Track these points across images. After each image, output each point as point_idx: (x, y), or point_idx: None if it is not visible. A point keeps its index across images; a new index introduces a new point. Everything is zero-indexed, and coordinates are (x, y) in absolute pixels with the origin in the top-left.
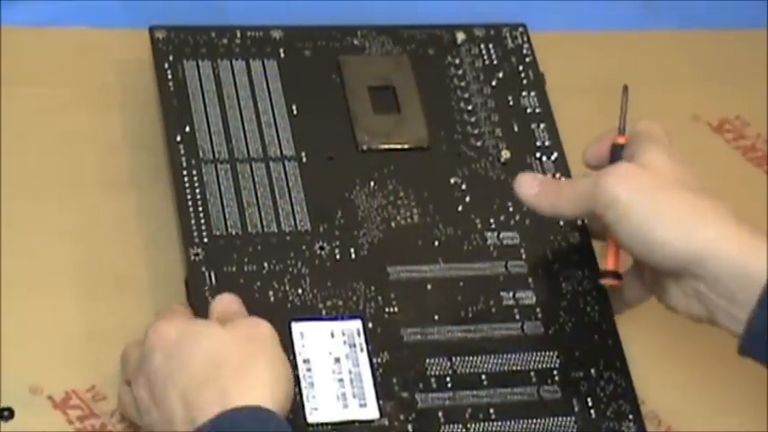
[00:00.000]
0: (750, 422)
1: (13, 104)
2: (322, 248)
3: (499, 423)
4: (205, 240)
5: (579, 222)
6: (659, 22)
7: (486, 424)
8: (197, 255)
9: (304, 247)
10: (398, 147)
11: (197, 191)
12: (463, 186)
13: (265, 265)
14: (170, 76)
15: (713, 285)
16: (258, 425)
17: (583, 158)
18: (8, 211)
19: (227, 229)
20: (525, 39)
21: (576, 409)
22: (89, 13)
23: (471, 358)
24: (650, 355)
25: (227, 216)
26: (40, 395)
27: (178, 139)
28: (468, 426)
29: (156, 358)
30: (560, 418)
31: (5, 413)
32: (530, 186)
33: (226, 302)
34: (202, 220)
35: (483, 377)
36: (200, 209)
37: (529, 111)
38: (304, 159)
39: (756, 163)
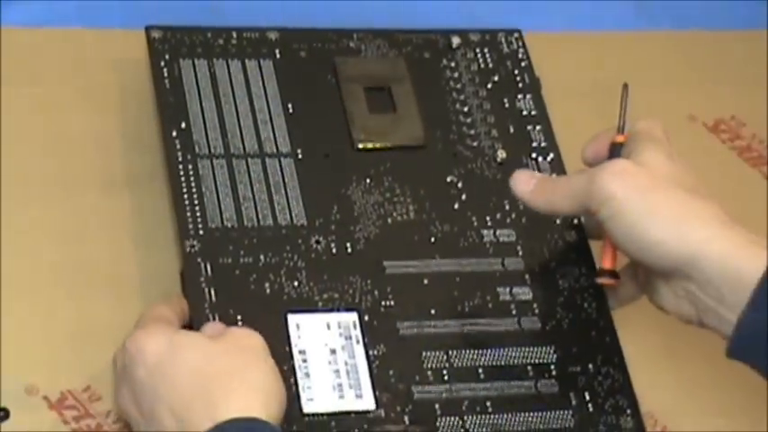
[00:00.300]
0: (747, 423)
1: (11, 104)
2: (318, 242)
3: (496, 416)
4: (201, 233)
5: (575, 221)
6: (655, 23)
7: (483, 417)
8: (193, 246)
9: (300, 241)
10: (394, 145)
11: (192, 185)
12: (459, 185)
13: (261, 257)
14: (166, 74)
15: (704, 287)
16: None
17: (581, 156)
18: (5, 210)
19: (222, 222)
20: (520, 44)
21: (574, 403)
22: (86, 13)
23: (468, 352)
24: (646, 355)
25: (222, 209)
26: (35, 395)
27: (174, 134)
28: (465, 418)
29: (138, 373)
30: (557, 412)
31: (1, 413)
32: (525, 183)
33: (216, 329)
34: (198, 213)
35: (480, 370)
36: (196, 202)
37: (524, 113)
38: (300, 156)
39: (752, 163)
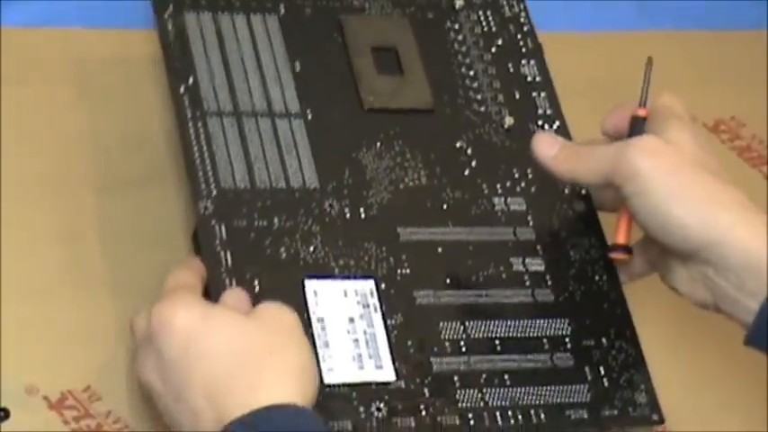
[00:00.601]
0: (749, 420)
1: (11, 104)
2: (331, 206)
3: (514, 389)
4: (214, 193)
5: (583, 191)
6: (655, 23)
7: (502, 390)
8: (206, 208)
9: (313, 205)
10: (403, 108)
11: (203, 143)
12: (468, 151)
13: (275, 221)
14: (170, 27)
15: (724, 272)
16: (298, 425)
17: (601, 127)
18: (5, 210)
19: (235, 183)
20: (522, 7)
21: (590, 377)
22: (86, 13)
23: (484, 323)
24: (648, 354)
25: (234, 169)
26: (35, 395)
27: (182, 90)
28: (484, 391)
29: (167, 348)
30: (574, 386)
31: (1, 413)
32: (549, 147)
33: (238, 297)
34: (210, 173)
35: (497, 342)
36: (208, 161)
37: (529, 79)
38: (309, 116)
39: (752, 164)
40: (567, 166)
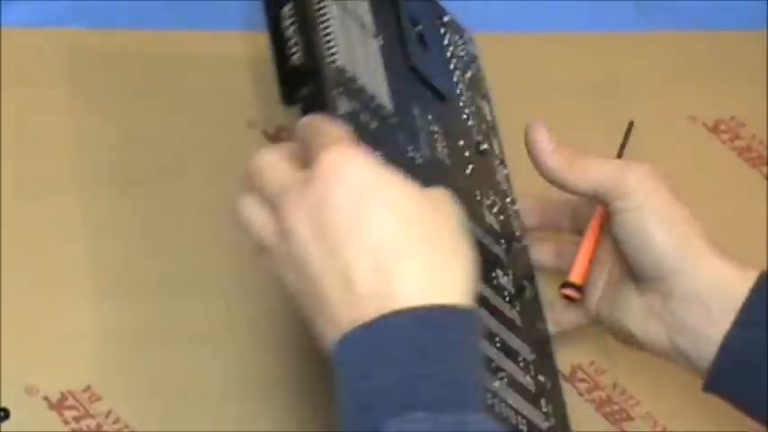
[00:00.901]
0: (745, 423)
1: (11, 104)
2: (401, 138)
3: (508, 390)
4: (332, 66)
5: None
6: (655, 23)
7: (502, 386)
8: (328, 78)
9: (390, 129)
10: (433, 84)
11: (322, 19)
12: (466, 153)
13: (372, 124)
14: None
15: (688, 303)
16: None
17: None
18: (7, 211)
19: (347, 67)
20: (479, 55)
21: (545, 409)
22: (86, 13)
23: (488, 316)
24: (647, 356)
25: (346, 54)
26: (35, 395)
27: None
28: (493, 378)
29: (339, 196)
30: (537, 412)
31: (1, 413)
32: (547, 141)
33: None
34: (328, 49)
35: (496, 339)
36: (326, 37)
37: (488, 119)
38: (381, 42)
39: (752, 164)
40: (561, 168)
